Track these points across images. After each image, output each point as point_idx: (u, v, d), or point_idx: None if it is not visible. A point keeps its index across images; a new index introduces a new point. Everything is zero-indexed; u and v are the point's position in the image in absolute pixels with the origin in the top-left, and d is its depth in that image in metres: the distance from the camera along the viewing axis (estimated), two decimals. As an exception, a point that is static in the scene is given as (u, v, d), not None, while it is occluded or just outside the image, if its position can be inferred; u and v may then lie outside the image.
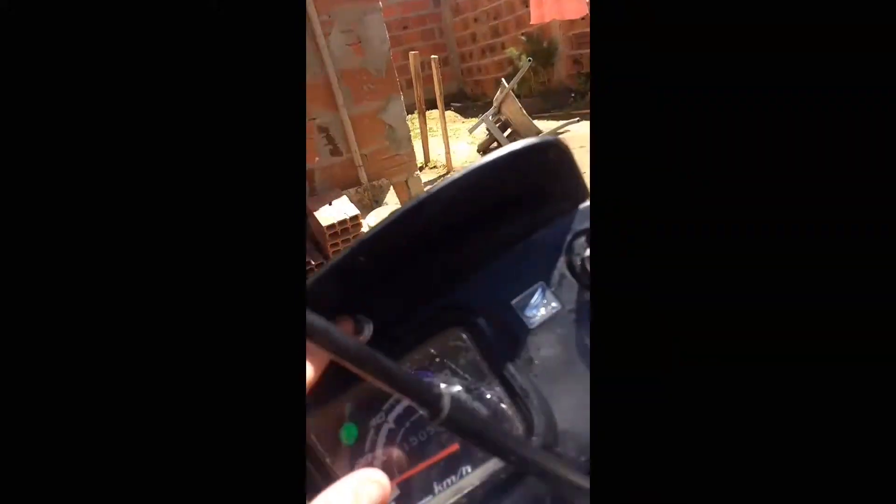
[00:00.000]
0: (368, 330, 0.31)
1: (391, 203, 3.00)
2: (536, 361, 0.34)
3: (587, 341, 0.33)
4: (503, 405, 0.34)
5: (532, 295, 0.35)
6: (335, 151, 2.90)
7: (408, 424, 0.33)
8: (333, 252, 2.68)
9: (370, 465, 0.32)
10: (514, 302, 0.35)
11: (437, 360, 0.34)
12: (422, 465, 0.32)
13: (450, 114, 4.58)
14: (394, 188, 3.07)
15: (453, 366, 0.34)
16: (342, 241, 2.70)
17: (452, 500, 0.31)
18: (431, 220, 0.29)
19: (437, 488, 0.32)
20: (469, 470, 0.32)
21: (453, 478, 0.32)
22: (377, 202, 3.03)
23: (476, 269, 0.35)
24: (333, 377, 0.28)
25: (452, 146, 3.68)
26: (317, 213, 2.72)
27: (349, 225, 2.73)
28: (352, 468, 0.32)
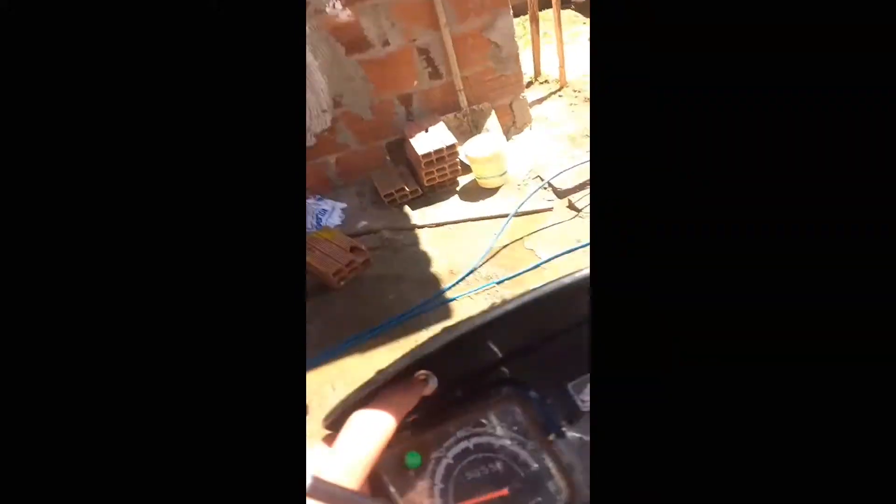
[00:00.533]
0: (433, 383, 0.35)
1: (491, 129, 2.84)
2: (586, 437, 0.36)
3: None
4: (552, 471, 0.37)
5: (586, 382, 0.37)
6: (434, 74, 2.76)
7: (464, 463, 0.37)
8: (428, 181, 2.64)
9: (429, 489, 0.37)
10: (570, 384, 0.37)
11: (493, 421, 0.38)
12: (478, 499, 0.37)
13: (568, 14, 4.05)
14: (496, 112, 2.89)
15: (506, 426, 0.38)
16: (437, 171, 2.65)
17: None
18: (495, 328, 0.32)
19: None
20: None
21: None
22: (476, 128, 2.88)
23: (537, 346, 0.38)
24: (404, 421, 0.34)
25: (570, 53, 3.28)
26: (413, 141, 2.67)
27: (445, 154, 2.65)
28: (412, 490, 0.37)
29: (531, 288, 0.31)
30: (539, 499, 0.37)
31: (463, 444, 0.38)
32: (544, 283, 0.31)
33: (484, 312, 0.30)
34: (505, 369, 0.39)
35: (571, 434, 0.37)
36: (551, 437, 0.37)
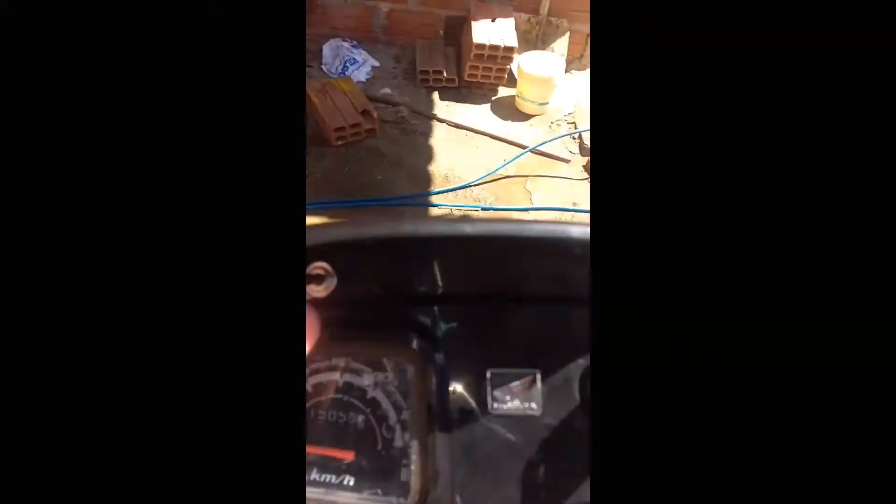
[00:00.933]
0: (331, 283, 0.26)
1: (558, 52, 2.62)
2: (473, 449, 0.28)
3: (538, 477, 0.27)
4: (412, 463, 0.29)
5: (516, 377, 0.28)
6: (530, -39, 2.46)
7: (323, 398, 0.31)
8: (469, 75, 2.48)
9: None
10: (491, 371, 0.29)
11: (387, 368, 0.30)
12: (318, 449, 0.30)
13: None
14: (570, 36, 2.64)
15: (392, 382, 0.30)
16: (483, 69, 2.47)
17: (315, 494, 0.30)
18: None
19: (313, 474, 0.30)
20: (351, 483, 0.30)
21: (333, 477, 0.30)
22: (543, 43, 2.65)
23: (482, 300, 0.29)
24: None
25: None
26: (474, 24, 2.46)
27: (500, 54, 2.46)
28: None
29: (515, 218, 0.23)
30: (378, 489, 0.29)
31: (332, 376, 0.30)
32: (534, 220, 0.25)
33: (441, 219, 0.21)
34: (435, 311, 0.30)
35: (457, 434, 0.28)
36: (430, 424, 0.29)
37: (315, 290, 0.26)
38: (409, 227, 0.22)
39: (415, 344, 0.30)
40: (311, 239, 0.23)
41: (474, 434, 0.29)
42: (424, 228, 0.22)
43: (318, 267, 0.27)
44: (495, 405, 0.29)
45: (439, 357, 0.29)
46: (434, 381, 0.29)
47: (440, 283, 0.29)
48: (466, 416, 0.29)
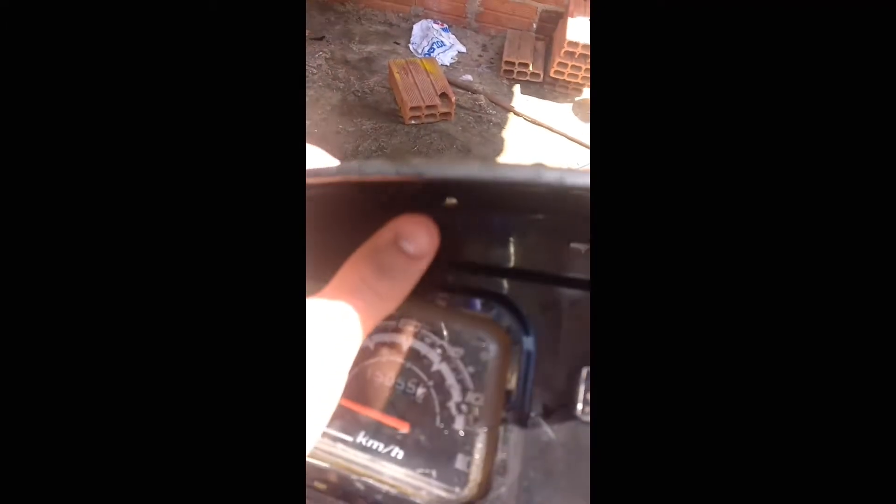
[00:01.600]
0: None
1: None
2: (551, 452, 0.25)
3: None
4: (475, 452, 0.26)
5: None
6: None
7: (383, 360, 0.29)
8: (555, 72, 2.40)
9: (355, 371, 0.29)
10: (586, 369, 0.25)
11: (452, 342, 0.27)
12: (372, 412, 0.28)
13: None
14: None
15: (463, 358, 0.27)
16: (571, 67, 2.38)
17: (360, 458, 0.28)
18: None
19: (360, 437, 0.28)
20: (399, 456, 0.28)
21: (381, 445, 0.28)
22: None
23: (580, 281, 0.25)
24: None
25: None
26: (570, 21, 2.37)
27: (578, 51, 2.36)
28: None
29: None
30: (432, 471, 0.27)
31: (397, 338, 0.28)
32: None
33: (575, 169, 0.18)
34: (504, 284, 0.26)
35: (534, 432, 0.25)
36: (505, 414, 0.26)
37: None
38: (528, 172, 0.17)
39: (500, 318, 0.26)
40: (397, 171, 0.19)
41: (556, 436, 0.25)
42: (551, 175, 0.17)
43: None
44: (587, 409, 0.25)
45: (528, 341, 0.26)
46: (519, 367, 0.26)
47: (524, 257, 0.26)
48: (549, 413, 0.25)
